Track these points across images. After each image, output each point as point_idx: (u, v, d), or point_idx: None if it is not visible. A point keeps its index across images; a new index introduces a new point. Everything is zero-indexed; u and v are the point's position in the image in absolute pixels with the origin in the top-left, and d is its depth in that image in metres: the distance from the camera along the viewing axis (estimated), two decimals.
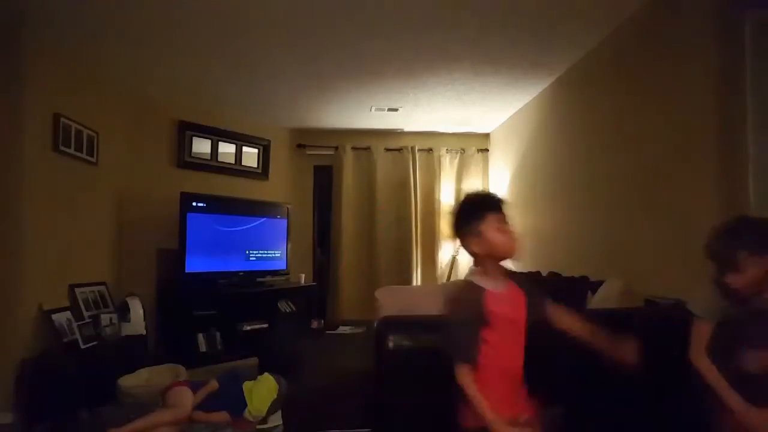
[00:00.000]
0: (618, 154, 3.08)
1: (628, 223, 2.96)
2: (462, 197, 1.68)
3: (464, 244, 1.60)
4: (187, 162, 4.72)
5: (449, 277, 5.52)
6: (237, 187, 5.03)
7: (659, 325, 2.24)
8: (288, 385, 2.98)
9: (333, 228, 5.56)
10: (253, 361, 4.01)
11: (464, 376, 1.49)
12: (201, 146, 4.84)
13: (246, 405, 2.89)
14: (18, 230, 3.04)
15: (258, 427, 2.87)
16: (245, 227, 4.82)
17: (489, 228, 1.54)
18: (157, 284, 4.41)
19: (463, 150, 5.75)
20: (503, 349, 1.52)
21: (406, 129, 5.62)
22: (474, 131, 5.67)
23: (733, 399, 1.60)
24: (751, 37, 2.23)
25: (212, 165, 4.92)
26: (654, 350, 2.14)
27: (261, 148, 5.31)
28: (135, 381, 3.28)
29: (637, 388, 2.10)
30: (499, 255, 1.56)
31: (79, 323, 3.35)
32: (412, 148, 5.64)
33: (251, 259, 4.84)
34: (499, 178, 5.43)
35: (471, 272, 1.61)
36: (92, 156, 3.72)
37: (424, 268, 5.59)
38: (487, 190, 1.68)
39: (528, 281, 1.67)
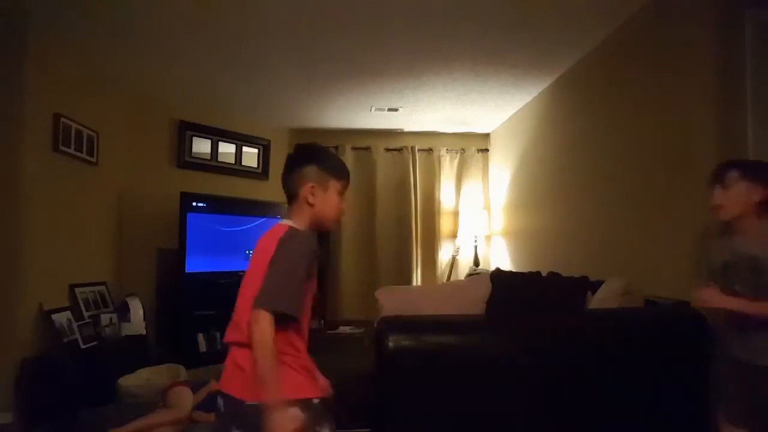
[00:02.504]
0: (618, 154, 3.08)
1: (628, 223, 2.96)
2: (323, 149, 1.56)
3: (299, 187, 1.42)
4: (187, 162, 4.72)
5: (449, 277, 5.52)
6: (237, 187, 5.02)
7: (659, 325, 2.24)
8: None
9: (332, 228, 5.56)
10: None
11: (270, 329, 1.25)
12: (201, 146, 4.83)
13: None
14: (18, 230, 3.04)
15: None
16: (245, 227, 4.82)
17: (337, 189, 1.47)
18: (157, 284, 4.40)
19: (463, 150, 5.74)
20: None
21: (406, 129, 5.62)
22: (474, 131, 5.67)
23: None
24: (751, 37, 2.23)
25: (212, 165, 4.92)
26: (654, 350, 2.14)
27: (261, 148, 5.31)
28: (135, 381, 3.28)
29: (636, 387, 2.10)
30: (328, 218, 1.46)
31: (79, 323, 3.35)
32: (412, 148, 5.64)
33: None
34: (499, 178, 5.44)
35: (288, 221, 1.44)
36: (92, 156, 3.71)
37: (424, 268, 5.59)
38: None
39: None
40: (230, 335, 1.37)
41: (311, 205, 1.43)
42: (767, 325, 1.61)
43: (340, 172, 1.48)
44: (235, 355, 1.36)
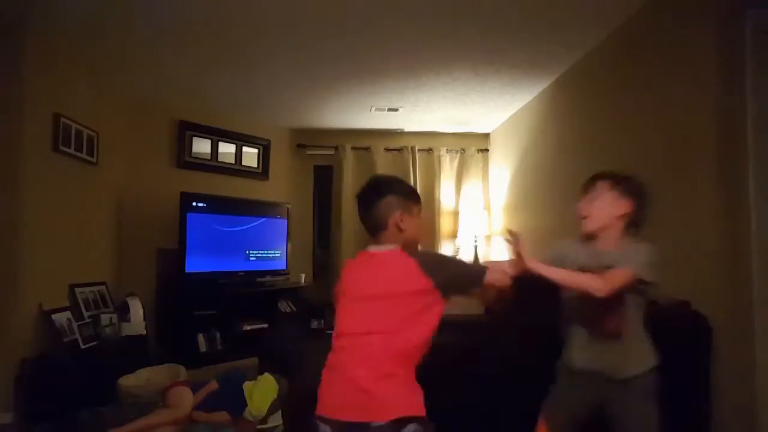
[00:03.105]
0: (618, 154, 3.08)
1: None
2: (396, 178, 1.68)
3: (387, 217, 1.53)
4: (187, 162, 4.72)
5: None
6: (237, 187, 5.02)
7: (659, 325, 2.24)
8: (288, 385, 2.98)
9: (333, 228, 5.56)
10: (253, 361, 4.01)
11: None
12: (201, 146, 4.83)
13: (246, 405, 2.89)
14: (18, 230, 3.03)
15: (258, 427, 2.87)
16: (245, 227, 4.82)
17: (419, 212, 1.61)
18: (157, 284, 4.40)
19: (463, 150, 5.74)
20: None
21: (406, 129, 5.62)
22: (474, 131, 5.67)
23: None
24: (751, 37, 2.23)
25: (212, 165, 4.92)
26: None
27: (261, 148, 5.31)
28: (135, 381, 3.28)
29: None
30: (415, 240, 1.60)
31: (79, 323, 3.35)
32: (412, 148, 5.64)
33: (251, 259, 4.84)
34: (499, 178, 5.44)
35: (390, 246, 1.54)
36: (92, 156, 3.71)
37: None
38: None
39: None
40: (360, 362, 1.40)
41: (402, 231, 1.54)
42: (623, 339, 1.65)
43: (417, 196, 1.62)
44: (359, 377, 1.38)
